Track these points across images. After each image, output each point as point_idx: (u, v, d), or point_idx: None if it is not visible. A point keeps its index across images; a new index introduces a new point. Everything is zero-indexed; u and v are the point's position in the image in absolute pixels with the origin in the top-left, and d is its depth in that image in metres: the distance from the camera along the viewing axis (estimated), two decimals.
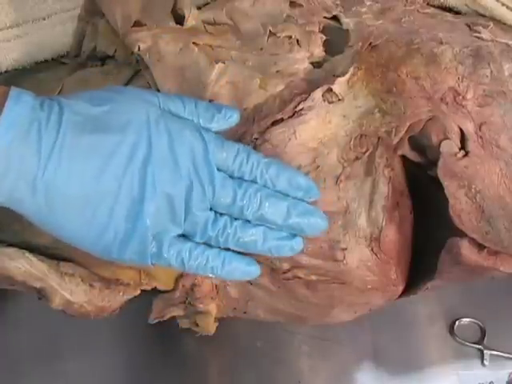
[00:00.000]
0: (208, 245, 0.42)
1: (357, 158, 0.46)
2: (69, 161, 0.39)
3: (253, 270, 0.43)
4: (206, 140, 0.42)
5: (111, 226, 0.40)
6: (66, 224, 0.40)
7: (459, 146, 0.46)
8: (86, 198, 0.39)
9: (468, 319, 0.60)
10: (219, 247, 0.42)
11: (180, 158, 0.40)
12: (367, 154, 0.46)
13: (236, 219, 0.42)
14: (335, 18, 0.53)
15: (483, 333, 0.59)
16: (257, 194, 0.42)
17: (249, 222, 0.42)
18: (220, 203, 0.41)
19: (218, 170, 0.42)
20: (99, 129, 0.40)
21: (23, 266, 0.47)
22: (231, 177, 0.42)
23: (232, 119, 0.44)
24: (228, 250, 0.42)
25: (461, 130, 0.47)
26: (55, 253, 0.48)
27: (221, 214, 0.42)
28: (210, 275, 0.43)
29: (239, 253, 0.43)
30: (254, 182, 0.42)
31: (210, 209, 0.42)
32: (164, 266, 0.42)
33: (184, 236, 0.42)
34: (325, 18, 0.53)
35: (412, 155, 0.49)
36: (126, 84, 0.51)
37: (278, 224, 0.42)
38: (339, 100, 0.47)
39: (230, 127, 0.44)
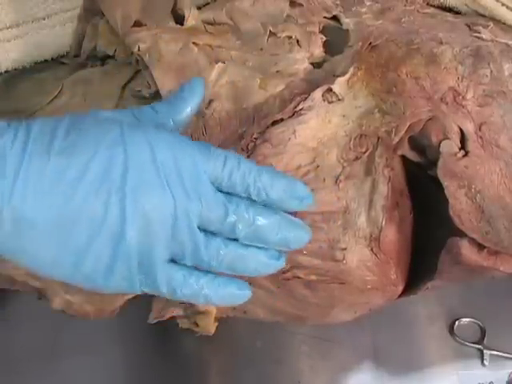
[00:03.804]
0: (197, 269, 0.39)
1: (356, 158, 0.46)
2: (35, 185, 0.35)
3: (246, 294, 0.40)
4: (191, 147, 0.38)
5: (91, 252, 0.36)
6: (38, 253, 0.36)
7: (459, 145, 0.47)
8: (57, 223, 0.36)
9: (468, 319, 0.60)
10: (211, 271, 0.39)
11: (162, 171, 0.37)
12: (367, 153, 0.46)
13: (228, 240, 0.39)
14: (335, 17, 0.53)
15: (483, 333, 0.59)
16: (248, 209, 0.38)
17: (237, 240, 0.39)
18: (210, 221, 0.38)
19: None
20: (69, 148, 0.36)
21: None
22: (220, 189, 0.38)
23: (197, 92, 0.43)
24: (219, 274, 0.39)
25: (461, 129, 0.47)
26: None
27: (212, 234, 0.38)
28: (201, 303, 0.40)
29: (230, 275, 0.40)
30: (247, 191, 0.39)
31: (200, 228, 0.38)
32: (154, 293, 0.38)
33: (173, 261, 0.38)
34: (325, 17, 0.53)
35: (412, 155, 0.49)
36: (126, 84, 0.51)
37: (268, 240, 0.39)
38: (339, 100, 0.47)
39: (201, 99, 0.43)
